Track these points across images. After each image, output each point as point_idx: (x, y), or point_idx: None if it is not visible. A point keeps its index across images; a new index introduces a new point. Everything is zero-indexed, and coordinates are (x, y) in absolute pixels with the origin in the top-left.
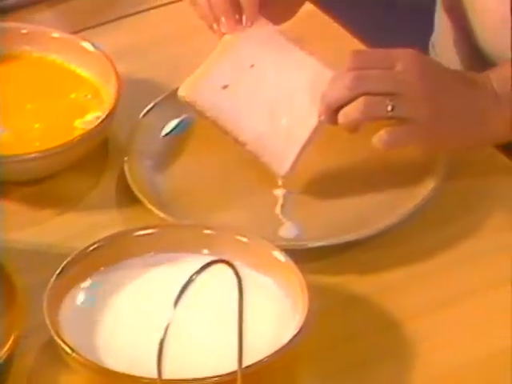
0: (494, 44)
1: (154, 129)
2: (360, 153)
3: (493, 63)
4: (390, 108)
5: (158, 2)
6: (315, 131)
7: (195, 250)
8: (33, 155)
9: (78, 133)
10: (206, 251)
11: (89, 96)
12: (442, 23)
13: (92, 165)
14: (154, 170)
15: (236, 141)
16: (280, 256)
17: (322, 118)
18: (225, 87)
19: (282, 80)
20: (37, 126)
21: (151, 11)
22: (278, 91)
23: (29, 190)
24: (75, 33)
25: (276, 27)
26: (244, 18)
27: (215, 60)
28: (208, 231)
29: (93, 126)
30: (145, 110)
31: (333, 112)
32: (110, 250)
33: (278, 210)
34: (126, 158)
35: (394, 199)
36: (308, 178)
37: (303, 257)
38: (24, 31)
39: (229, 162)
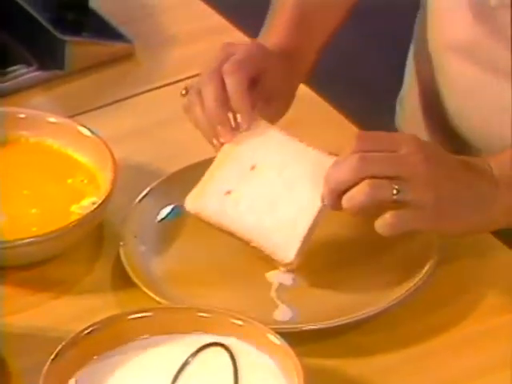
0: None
1: (149, 214)
2: (353, 236)
3: (460, 134)
4: (395, 192)
5: (154, 85)
6: (319, 216)
7: (190, 332)
8: (29, 240)
9: (74, 218)
10: (200, 334)
11: (85, 181)
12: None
13: (88, 249)
14: (149, 254)
15: (241, 240)
16: (275, 339)
17: (326, 201)
18: (228, 193)
19: (283, 175)
20: (33, 211)
21: (147, 94)
22: (279, 186)
23: (24, 274)
24: (72, 117)
25: (271, 124)
26: (240, 122)
27: (217, 169)
28: (203, 314)
29: (89, 211)
30: (140, 196)
31: (336, 196)
32: (105, 333)
33: (272, 293)
34: (121, 243)
35: (389, 282)
36: (302, 262)
37: (298, 339)
38: (21, 116)
39: (222, 247)
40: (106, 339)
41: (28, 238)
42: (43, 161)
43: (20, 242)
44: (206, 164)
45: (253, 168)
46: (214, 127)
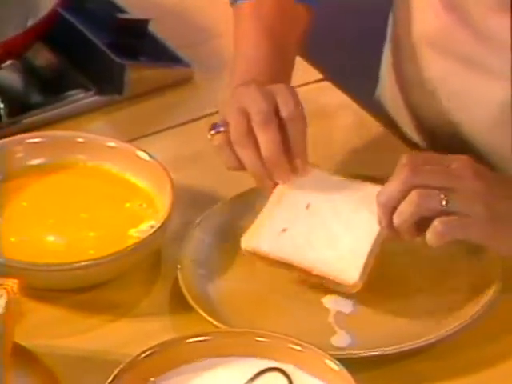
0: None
1: (207, 238)
2: (413, 263)
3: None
4: (444, 202)
5: (213, 110)
6: (378, 239)
7: (247, 357)
8: (86, 263)
9: (132, 241)
10: (258, 359)
11: (143, 205)
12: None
13: (145, 272)
14: (207, 278)
15: (302, 271)
16: (333, 365)
17: (382, 222)
18: (284, 230)
19: (337, 210)
20: (91, 234)
21: (205, 119)
22: (335, 221)
23: (82, 297)
24: (130, 141)
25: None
26: (297, 166)
27: (271, 208)
28: (260, 338)
29: (147, 234)
30: (198, 219)
31: (390, 212)
32: (162, 356)
33: (330, 318)
34: (179, 266)
35: (450, 308)
36: (361, 287)
37: (356, 366)
38: (79, 140)
39: (280, 271)
40: (164, 363)
41: (86, 260)
42: (101, 185)
43: (78, 265)
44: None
45: (307, 207)
46: (268, 169)
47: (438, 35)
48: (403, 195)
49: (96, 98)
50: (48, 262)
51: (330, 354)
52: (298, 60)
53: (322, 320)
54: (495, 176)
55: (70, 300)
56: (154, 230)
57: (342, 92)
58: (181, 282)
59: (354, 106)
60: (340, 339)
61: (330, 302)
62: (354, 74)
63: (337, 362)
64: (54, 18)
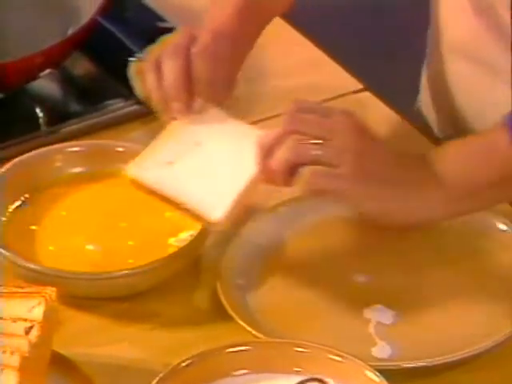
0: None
1: (247, 247)
2: (454, 273)
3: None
4: (316, 151)
5: (252, 119)
6: (253, 181)
7: (287, 367)
8: (125, 272)
9: (171, 250)
10: (298, 369)
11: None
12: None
13: (185, 281)
14: (247, 287)
15: (173, 204)
16: (374, 376)
17: (258, 164)
18: (169, 163)
19: (224, 150)
20: (130, 243)
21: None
22: (219, 159)
23: (121, 306)
24: None
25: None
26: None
27: (162, 141)
28: (300, 349)
29: (186, 243)
30: (238, 229)
31: (266, 157)
32: (202, 366)
33: (371, 329)
34: (218, 276)
35: (492, 319)
36: (402, 298)
37: (397, 377)
38: (119, 149)
39: (321, 281)
40: (203, 372)
41: (125, 269)
42: (140, 194)
43: (117, 274)
44: (304, 198)
45: (197, 144)
46: (167, 101)
47: (469, 41)
48: (281, 140)
49: (135, 107)
50: (87, 271)
51: (371, 365)
52: (338, 70)
53: (362, 331)
54: (373, 138)
55: (109, 309)
56: (193, 238)
57: (382, 102)
58: (220, 292)
59: (394, 115)
60: (381, 350)
61: (370, 312)
62: (394, 84)
63: (377, 374)
64: (93, 27)
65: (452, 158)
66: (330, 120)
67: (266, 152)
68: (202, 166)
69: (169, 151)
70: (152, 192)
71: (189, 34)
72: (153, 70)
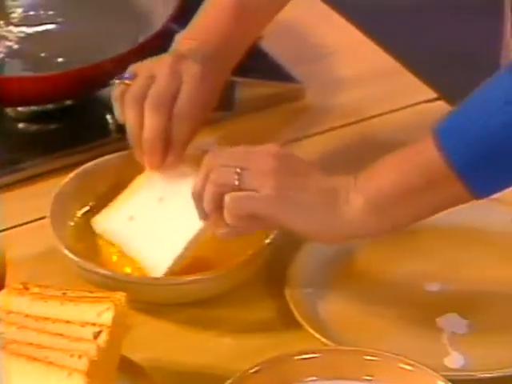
0: None
1: (316, 256)
2: None
3: None
4: (236, 178)
5: (323, 127)
6: (198, 233)
7: (357, 375)
8: (196, 278)
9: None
10: (368, 377)
11: None
12: None
13: (254, 288)
14: (316, 295)
15: (126, 257)
16: None
17: (198, 213)
18: (131, 218)
19: (182, 206)
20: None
21: (316, 137)
22: (175, 215)
23: (191, 312)
24: None
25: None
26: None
27: (129, 194)
28: (370, 357)
29: (255, 251)
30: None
31: (201, 202)
32: (271, 373)
33: (444, 339)
34: (287, 283)
35: None
36: (475, 307)
37: None
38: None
39: (391, 290)
40: (272, 379)
41: (194, 276)
42: None
43: (186, 280)
44: None
45: (160, 200)
46: (142, 148)
47: None
48: (206, 181)
49: None
50: (157, 277)
51: (443, 376)
52: (411, 78)
53: (435, 340)
54: (289, 154)
55: (179, 315)
56: (262, 245)
57: None
58: (288, 299)
59: None
60: (453, 360)
61: (443, 322)
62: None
63: None
64: (164, 34)
65: (378, 169)
66: (247, 150)
67: (198, 196)
68: (160, 222)
69: (132, 206)
70: (109, 245)
71: (176, 80)
72: (133, 109)
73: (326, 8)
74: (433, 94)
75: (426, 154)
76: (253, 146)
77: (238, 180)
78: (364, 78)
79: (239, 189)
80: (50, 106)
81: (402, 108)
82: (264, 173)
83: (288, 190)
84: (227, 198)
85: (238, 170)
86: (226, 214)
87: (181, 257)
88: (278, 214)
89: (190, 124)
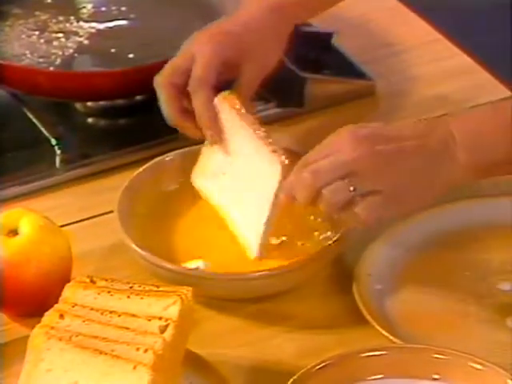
0: None
1: (385, 253)
2: None
3: None
4: (351, 189)
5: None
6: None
7: (425, 374)
8: (263, 273)
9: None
10: (436, 376)
11: (318, 219)
12: None
13: (321, 284)
14: (384, 292)
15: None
16: None
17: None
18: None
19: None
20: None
21: None
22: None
23: (258, 307)
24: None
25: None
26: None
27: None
28: (439, 356)
29: (323, 246)
30: (375, 232)
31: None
32: (337, 369)
33: None
34: (355, 280)
35: None
36: None
37: None
38: None
39: (462, 288)
40: (338, 376)
41: (262, 271)
42: None
43: (253, 276)
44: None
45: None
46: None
47: None
48: (313, 201)
49: (276, 110)
50: (226, 272)
51: None
52: (487, 76)
53: (504, 340)
54: (379, 137)
55: (246, 310)
56: (330, 242)
57: None
58: (356, 296)
59: None
60: None
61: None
62: None
63: None
64: None
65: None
66: (342, 155)
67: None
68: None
69: (219, 162)
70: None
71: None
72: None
73: (399, 5)
74: (508, 93)
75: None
76: (323, 145)
77: (354, 191)
78: (437, 76)
79: (359, 195)
80: (119, 102)
81: (475, 106)
82: (372, 172)
83: (402, 178)
84: (358, 209)
85: (349, 183)
86: (361, 222)
87: (264, 236)
88: (403, 206)
89: (204, 95)
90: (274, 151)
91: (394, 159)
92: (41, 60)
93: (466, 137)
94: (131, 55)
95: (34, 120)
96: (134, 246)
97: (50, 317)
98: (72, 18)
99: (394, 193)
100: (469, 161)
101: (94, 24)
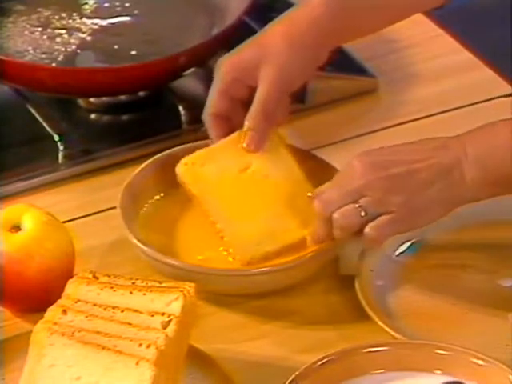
0: None
1: (387, 248)
2: None
3: None
4: (363, 213)
5: (395, 122)
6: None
7: (427, 369)
8: (265, 269)
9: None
10: (438, 372)
11: None
12: None
13: (324, 280)
14: (386, 288)
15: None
16: None
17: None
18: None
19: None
20: None
21: (387, 130)
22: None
23: (260, 303)
24: (311, 150)
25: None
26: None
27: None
28: (441, 351)
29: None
30: None
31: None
32: (339, 365)
33: None
34: (357, 276)
35: None
36: None
37: None
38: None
39: (463, 284)
40: (340, 371)
41: (264, 267)
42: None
43: (256, 271)
44: None
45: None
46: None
47: None
48: (328, 230)
49: None
50: (229, 268)
51: None
52: (489, 73)
53: (506, 336)
54: (389, 160)
55: (248, 305)
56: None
57: None
58: (358, 292)
59: None
60: None
61: None
62: None
63: None
64: (238, 27)
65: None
66: (350, 180)
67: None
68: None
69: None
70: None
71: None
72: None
73: None
74: (510, 89)
75: None
76: (335, 176)
77: (365, 214)
78: (439, 72)
79: (370, 218)
80: (122, 98)
81: (477, 102)
82: (381, 194)
83: (411, 195)
84: (368, 230)
85: (358, 207)
86: (370, 243)
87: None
88: (413, 223)
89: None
90: None
91: (406, 180)
92: (43, 56)
93: (479, 150)
94: (134, 52)
95: (37, 116)
96: (136, 241)
97: (52, 312)
98: (75, 14)
99: (406, 213)
100: (480, 177)
101: (96, 20)
